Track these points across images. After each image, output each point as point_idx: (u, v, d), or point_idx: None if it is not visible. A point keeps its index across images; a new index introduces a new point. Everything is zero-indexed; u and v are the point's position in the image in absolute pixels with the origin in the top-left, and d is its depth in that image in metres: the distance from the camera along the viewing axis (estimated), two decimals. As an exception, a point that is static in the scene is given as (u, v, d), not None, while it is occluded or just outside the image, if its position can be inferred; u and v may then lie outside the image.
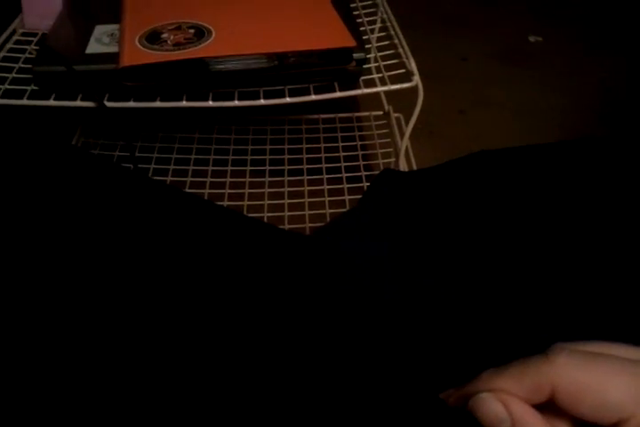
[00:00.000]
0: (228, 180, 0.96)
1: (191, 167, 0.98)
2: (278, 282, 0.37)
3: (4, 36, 0.81)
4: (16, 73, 0.76)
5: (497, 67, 1.43)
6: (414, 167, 0.90)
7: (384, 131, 1.03)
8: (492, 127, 1.23)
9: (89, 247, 0.39)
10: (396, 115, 1.01)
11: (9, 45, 0.80)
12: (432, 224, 0.35)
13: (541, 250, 0.33)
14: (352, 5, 0.88)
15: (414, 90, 0.73)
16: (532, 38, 1.54)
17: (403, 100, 0.78)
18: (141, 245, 0.40)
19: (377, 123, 1.05)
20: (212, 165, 0.98)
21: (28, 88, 0.73)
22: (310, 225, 0.87)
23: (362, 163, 0.97)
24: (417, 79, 0.71)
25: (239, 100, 0.70)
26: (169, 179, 0.95)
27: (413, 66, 0.72)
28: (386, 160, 0.96)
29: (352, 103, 1.13)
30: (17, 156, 0.47)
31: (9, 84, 0.73)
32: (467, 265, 0.34)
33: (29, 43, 0.82)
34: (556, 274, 0.33)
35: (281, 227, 0.85)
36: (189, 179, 0.95)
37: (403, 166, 0.87)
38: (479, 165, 0.37)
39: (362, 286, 0.35)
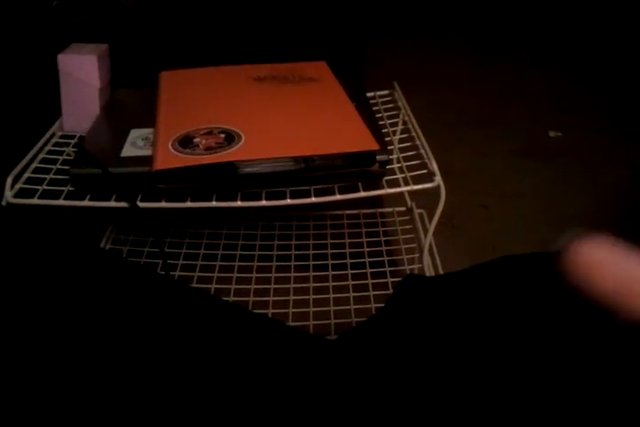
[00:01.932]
0: (254, 275, 0.97)
1: (218, 263, 0.99)
2: (296, 387, 0.37)
3: (44, 138, 0.86)
4: (54, 174, 0.79)
5: (518, 162, 1.46)
6: (438, 262, 0.91)
7: (407, 226, 1.04)
8: (515, 221, 1.24)
9: (111, 350, 0.40)
10: (419, 211, 1.03)
11: (48, 147, 0.85)
12: (452, 335, 0.35)
13: (570, 372, 0.33)
14: (375, 108, 0.92)
15: (436, 188, 0.74)
16: (552, 133, 1.57)
17: (425, 196, 0.80)
18: (165, 347, 0.40)
19: (400, 218, 1.07)
20: (239, 261, 1.00)
21: (65, 189, 0.76)
22: (335, 321, 0.87)
23: (386, 258, 0.98)
24: (439, 180, 0.73)
25: (267, 199, 0.73)
26: (196, 274, 0.96)
27: (435, 167, 0.74)
28: (410, 256, 0.97)
29: (375, 199, 1.15)
30: (47, 257, 0.49)
31: (47, 185, 0.77)
32: (485, 382, 0.34)
33: (67, 145, 0.86)
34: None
35: (306, 323, 0.86)
36: (216, 274, 0.97)
37: (427, 262, 0.88)
38: (501, 272, 0.38)
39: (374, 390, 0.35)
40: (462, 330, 0.36)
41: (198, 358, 0.39)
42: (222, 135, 0.73)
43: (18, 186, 0.75)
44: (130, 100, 0.95)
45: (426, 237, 0.82)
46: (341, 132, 0.74)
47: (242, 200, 0.73)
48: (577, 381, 0.32)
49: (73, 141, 0.88)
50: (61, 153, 0.84)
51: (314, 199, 0.72)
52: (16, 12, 1.08)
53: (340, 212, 1.10)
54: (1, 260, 0.46)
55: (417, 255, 0.94)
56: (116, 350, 0.40)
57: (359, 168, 0.72)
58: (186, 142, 0.73)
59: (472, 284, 0.38)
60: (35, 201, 0.73)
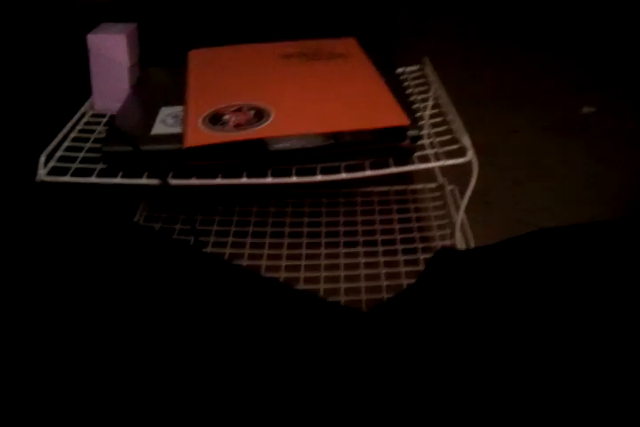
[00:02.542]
0: (285, 252, 0.97)
1: (249, 240, 1.00)
2: (331, 357, 0.37)
3: (76, 117, 0.87)
4: (86, 152, 0.80)
5: (550, 138, 1.43)
6: (470, 239, 0.90)
7: (439, 203, 1.03)
8: (548, 198, 1.22)
9: (147, 322, 0.40)
10: (450, 187, 1.02)
11: (79, 126, 0.86)
12: (484, 306, 0.35)
13: (601, 336, 0.33)
14: (405, 84, 0.91)
15: (468, 163, 0.74)
16: (585, 109, 1.54)
17: (457, 172, 0.79)
18: (201, 317, 0.41)
19: (431, 195, 1.06)
20: (270, 237, 1.00)
21: (97, 167, 0.77)
22: (366, 297, 0.87)
23: (417, 235, 0.98)
24: (471, 154, 0.72)
25: (297, 176, 0.73)
26: (227, 251, 0.97)
27: (467, 141, 0.73)
28: (442, 232, 0.96)
29: (406, 176, 1.14)
30: (84, 232, 0.49)
31: (79, 163, 0.77)
32: (514, 350, 0.34)
33: (98, 124, 0.87)
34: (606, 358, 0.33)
35: (337, 299, 0.86)
36: (247, 251, 0.97)
37: (459, 238, 0.87)
38: (537, 245, 0.37)
39: (406, 361, 0.35)
40: (496, 304, 0.36)
41: (233, 330, 0.39)
42: (252, 112, 0.73)
43: (51, 164, 0.76)
44: (159, 78, 0.96)
45: (458, 213, 0.82)
46: (371, 107, 0.74)
47: (272, 177, 0.73)
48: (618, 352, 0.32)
49: (104, 120, 0.88)
50: (93, 132, 0.85)
51: (344, 175, 0.72)
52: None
53: (370, 189, 1.10)
54: (37, 235, 0.46)
55: (449, 232, 0.93)
56: (150, 320, 0.40)
57: (389, 144, 0.71)
58: (215, 120, 0.73)
59: (507, 257, 0.37)
60: (67, 179, 0.74)
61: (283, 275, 0.92)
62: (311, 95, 0.77)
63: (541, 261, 0.36)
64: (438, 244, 0.94)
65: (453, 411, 0.34)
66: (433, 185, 1.08)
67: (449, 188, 1.02)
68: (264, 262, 0.95)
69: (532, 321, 0.35)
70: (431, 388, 0.35)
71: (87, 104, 0.91)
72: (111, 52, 0.89)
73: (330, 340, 0.39)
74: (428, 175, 1.10)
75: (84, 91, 0.92)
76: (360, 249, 0.97)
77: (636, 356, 0.34)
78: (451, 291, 0.36)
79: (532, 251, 0.36)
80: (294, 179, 0.72)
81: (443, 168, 1.08)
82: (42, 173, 0.75)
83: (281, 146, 0.69)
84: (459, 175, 0.80)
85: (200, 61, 0.90)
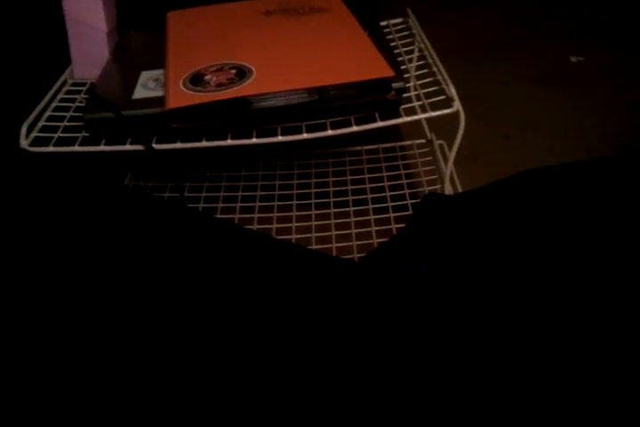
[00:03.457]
0: (275, 214, 0.97)
1: (239, 204, 0.99)
2: (328, 304, 0.37)
3: (55, 87, 0.85)
4: (67, 121, 0.79)
5: (539, 89, 1.42)
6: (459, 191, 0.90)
7: (428, 158, 1.03)
8: (538, 151, 1.22)
9: (138, 278, 0.40)
10: (439, 142, 1.01)
11: (60, 95, 0.84)
12: (475, 244, 0.35)
13: (586, 273, 0.32)
14: (389, 37, 0.89)
15: (456, 116, 0.73)
16: (573, 58, 1.52)
17: (445, 128, 0.78)
18: (191, 273, 0.41)
19: (420, 151, 1.05)
20: (259, 201, 0.99)
21: (80, 135, 0.75)
22: (358, 255, 0.87)
23: (407, 191, 0.97)
24: (457, 104, 0.71)
25: (282, 135, 0.72)
26: (217, 216, 0.96)
27: (453, 91, 0.72)
28: (431, 187, 0.96)
29: (394, 133, 1.13)
30: (74, 196, 0.49)
31: (62, 133, 0.76)
32: (502, 283, 0.33)
33: (79, 92, 0.85)
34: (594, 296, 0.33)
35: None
36: (237, 215, 0.97)
37: (449, 192, 0.86)
38: (524, 185, 0.37)
39: (402, 305, 0.35)
40: (485, 244, 0.35)
41: (224, 284, 0.39)
42: (233, 71, 0.72)
43: (33, 135, 0.75)
44: (138, 42, 0.93)
45: (447, 166, 0.81)
46: (355, 60, 0.72)
47: (257, 137, 0.72)
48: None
49: (84, 88, 0.87)
50: (74, 100, 0.84)
51: (330, 132, 0.71)
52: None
53: (358, 147, 1.09)
54: (26, 202, 0.46)
55: (439, 187, 0.93)
56: (147, 282, 0.40)
57: (375, 97, 0.70)
58: (197, 80, 0.71)
59: (495, 197, 0.37)
60: (50, 149, 0.73)
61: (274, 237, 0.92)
62: (293, 51, 0.75)
63: (531, 199, 0.35)
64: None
65: (454, 364, 0.34)
66: (422, 141, 1.07)
67: (438, 142, 1.01)
68: (255, 226, 0.95)
69: (523, 262, 0.35)
70: (428, 339, 0.35)
71: (67, 72, 0.89)
72: (87, 17, 0.86)
73: (324, 291, 0.38)
74: (417, 132, 1.09)
75: (63, 60, 0.90)
76: (350, 209, 0.96)
77: (630, 297, 0.33)
78: (439, 233, 0.36)
79: (520, 190, 0.36)
80: (280, 138, 0.71)
81: (431, 125, 1.07)
82: (24, 144, 0.73)
83: (264, 104, 0.68)
84: (447, 131, 0.80)
85: (179, 23, 0.88)
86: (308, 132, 0.71)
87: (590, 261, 0.34)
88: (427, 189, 0.96)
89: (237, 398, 0.34)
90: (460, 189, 0.90)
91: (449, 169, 0.80)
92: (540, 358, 0.33)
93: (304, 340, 0.36)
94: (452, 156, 0.77)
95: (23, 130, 0.74)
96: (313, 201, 0.98)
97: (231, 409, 0.33)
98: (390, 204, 0.95)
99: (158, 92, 0.75)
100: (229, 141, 0.72)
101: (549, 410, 0.32)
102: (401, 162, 1.05)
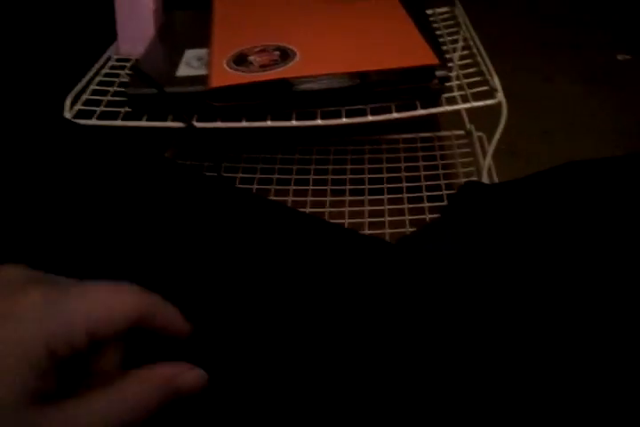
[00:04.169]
0: (309, 199, 0.97)
1: (274, 187, 1.00)
2: (364, 283, 0.37)
3: (101, 62, 0.86)
4: (111, 96, 0.80)
5: (583, 87, 1.39)
6: (497, 186, 0.89)
7: (466, 150, 1.02)
8: (578, 148, 1.20)
9: (173, 253, 0.40)
10: (478, 134, 1.00)
11: (104, 70, 0.85)
12: (510, 231, 0.34)
13: (624, 270, 0.32)
14: (435, 25, 0.89)
15: (497, 109, 0.72)
16: (620, 57, 1.49)
17: (485, 121, 0.77)
18: (227, 249, 0.41)
19: (458, 142, 1.04)
20: (294, 185, 1.00)
21: (122, 110, 0.76)
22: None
23: (443, 182, 0.97)
24: (500, 96, 0.71)
25: (322, 119, 0.72)
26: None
27: (497, 82, 0.71)
28: (468, 179, 0.95)
29: (433, 123, 1.12)
30: (112, 166, 0.49)
31: (105, 107, 0.77)
32: (533, 270, 0.33)
33: (123, 68, 0.86)
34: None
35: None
36: (272, 198, 0.97)
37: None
38: (565, 177, 0.36)
39: (437, 282, 0.35)
40: (522, 236, 0.35)
41: (257, 257, 0.39)
42: (277, 53, 0.72)
43: (76, 107, 0.76)
44: (184, 21, 0.94)
45: (485, 159, 0.80)
46: (399, 47, 0.72)
47: (296, 120, 0.72)
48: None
49: (129, 64, 0.88)
50: (118, 75, 0.85)
51: (370, 118, 0.71)
52: None
53: (396, 136, 1.08)
54: (67, 171, 0.47)
55: (475, 179, 0.92)
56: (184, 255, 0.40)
57: (417, 84, 0.70)
58: (240, 60, 0.72)
59: (535, 188, 0.36)
60: (93, 122, 0.74)
61: (307, 221, 0.92)
62: (337, 35, 0.75)
63: (571, 191, 0.35)
64: (465, 191, 0.93)
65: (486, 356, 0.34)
66: (460, 132, 1.06)
67: (477, 134, 1.00)
68: (288, 209, 0.95)
69: (560, 253, 0.34)
70: (461, 324, 0.35)
71: (112, 48, 0.90)
72: (135, -5, 0.87)
73: (357, 270, 0.38)
74: (456, 123, 1.08)
75: (109, 35, 0.91)
76: (385, 196, 0.96)
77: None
78: (475, 220, 0.36)
79: (561, 182, 0.36)
80: (319, 121, 0.71)
81: (471, 117, 1.06)
82: (68, 116, 0.74)
83: (306, 86, 0.68)
84: (486, 124, 0.79)
85: (225, 3, 0.89)
86: (347, 117, 0.71)
87: (630, 258, 0.33)
88: (463, 180, 0.95)
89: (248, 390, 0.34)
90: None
91: (487, 162, 0.79)
92: (549, 356, 0.33)
93: (334, 318, 0.36)
94: (491, 149, 0.77)
95: (67, 102, 0.75)
96: (347, 187, 0.98)
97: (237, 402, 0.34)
98: (425, 193, 0.94)
99: (202, 71, 0.76)
100: (269, 123, 0.72)
101: (552, 411, 0.32)
102: (438, 152, 1.04)
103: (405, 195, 0.95)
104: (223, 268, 0.39)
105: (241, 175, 1.01)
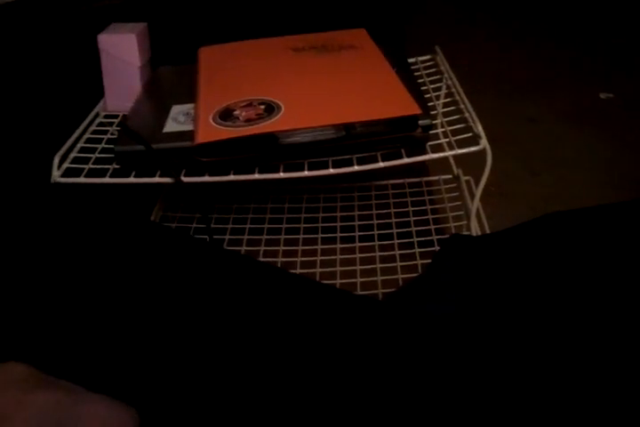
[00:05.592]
0: (300, 248, 0.97)
1: (264, 237, 1.00)
2: (352, 344, 0.37)
3: (88, 119, 0.87)
4: (99, 153, 0.80)
5: (567, 126, 1.41)
6: (487, 229, 0.89)
7: (454, 194, 1.02)
8: (566, 188, 1.21)
9: (165, 314, 0.40)
10: (466, 178, 1.01)
11: (92, 127, 0.86)
12: (499, 286, 0.34)
13: (613, 319, 0.32)
14: (417, 73, 0.90)
15: (483, 153, 0.73)
16: (602, 95, 1.52)
17: (473, 163, 0.78)
18: (216, 312, 0.41)
19: (447, 186, 1.05)
20: (285, 234, 1.00)
21: (110, 167, 0.77)
22: (383, 291, 0.86)
23: (433, 227, 0.97)
24: (484, 142, 0.71)
25: (309, 170, 0.72)
26: (243, 248, 0.97)
27: (480, 129, 0.72)
28: (457, 223, 0.96)
29: (421, 168, 1.13)
30: (99, 230, 0.49)
31: (92, 164, 0.77)
32: (527, 327, 0.33)
33: (111, 124, 0.87)
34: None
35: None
36: (263, 248, 0.97)
37: (475, 229, 0.86)
38: (550, 227, 0.37)
39: (430, 344, 0.34)
40: (508, 288, 0.35)
41: (249, 319, 0.39)
42: (262, 106, 0.73)
43: (65, 165, 0.76)
44: (170, 77, 0.95)
45: (473, 203, 0.81)
46: (382, 97, 0.73)
47: (284, 172, 0.72)
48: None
49: (116, 121, 0.88)
50: (105, 132, 0.85)
51: (356, 168, 0.72)
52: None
53: (384, 182, 1.09)
54: (52, 235, 0.46)
55: (465, 223, 0.92)
56: (173, 317, 0.40)
57: (402, 133, 0.71)
58: (226, 115, 0.72)
59: (519, 241, 0.37)
60: (81, 180, 0.75)
61: (299, 271, 0.92)
62: (321, 87, 0.76)
63: (553, 243, 0.35)
64: (455, 235, 0.93)
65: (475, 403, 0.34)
66: (448, 177, 1.07)
67: (465, 178, 1.01)
68: (280, 259, 0.95)
69: (544, 305, 0.34)
70: (449, 374, 0.35)
71: (100, 105, 0.91)
72: (122, 52, 0.88)
73: (347, 327, 0.38)
74: (444, 167, 1.09)
75: (96, 92, 0.92)
76: (376, 243, 0.96)
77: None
78: (466, 275, 0.36)
79: (544, 234, 0.36)
80: (306, 173, 0.72)
81: (458, 161, 1.07)
82: (56, 175, 0.75)
83: (292, 139, 0.69)
84: (474, 168, 0.79)
85: (210, 58, 0.90)
86: (334, 167, 0.72)
87: (619, 308, 0.33)
88: (453, 224, 0.96)
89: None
90: (486, 226, 0.89)
91: (475, 206, 0.80)
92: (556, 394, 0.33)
93: (322, 380, 0.36)
94: (478, 192, 0.77)
95: (56, 160, 0.76)
96: (338, 235, 0.99)
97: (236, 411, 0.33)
98: (416, 239, 0.95)
99: (188, 126, 0.76)
100: (257, 175, 0.72)
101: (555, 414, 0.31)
102: (427, 197, 1.05)
103: (396, 241, 0.95)
104: (209, 337, 0.38)
105: (231, 226, 1.01)
